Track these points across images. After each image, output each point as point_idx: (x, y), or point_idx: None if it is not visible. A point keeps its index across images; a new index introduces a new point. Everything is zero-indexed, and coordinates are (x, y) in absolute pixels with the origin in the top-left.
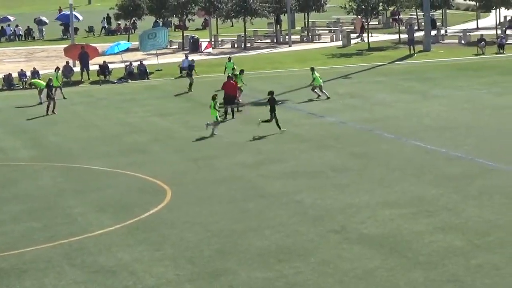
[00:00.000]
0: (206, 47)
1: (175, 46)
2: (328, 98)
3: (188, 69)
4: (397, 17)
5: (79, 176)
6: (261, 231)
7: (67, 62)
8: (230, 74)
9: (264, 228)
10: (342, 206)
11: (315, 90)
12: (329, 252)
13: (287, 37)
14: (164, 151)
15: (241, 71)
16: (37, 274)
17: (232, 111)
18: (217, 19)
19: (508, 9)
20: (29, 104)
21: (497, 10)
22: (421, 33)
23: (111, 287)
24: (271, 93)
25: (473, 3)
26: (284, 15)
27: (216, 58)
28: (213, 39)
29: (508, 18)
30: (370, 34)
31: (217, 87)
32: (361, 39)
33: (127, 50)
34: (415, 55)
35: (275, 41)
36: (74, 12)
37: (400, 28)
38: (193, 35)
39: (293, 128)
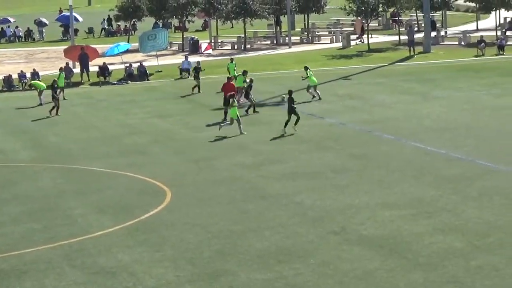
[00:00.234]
0: (206, 49)
1: (175, 48)
2: (320, 99)
3: (195, 71)
4: (397, 18)
5: (79, 177)
6: (261, 232)
7: (67, 63)
8: (231, 76)
9: (264, 229)
10: (342, 207)
11: (310, 90)
12: (329, 253)
13: (287, 38)
14: (164, 152)
15: (244, 72)
16: (37, 275)
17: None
18: (217, 21)
19: (508, 11)
20: (29, 105)
21: (497, 11)
22: (421, 35)
23: None
24: (289, 92)
25: (473, 4)
26: (284, 16)
27: (216, 60)
28: (213, 41)
29: (508, 19)
30: (370, 36)
31: (217, 88)
32: (361, 41)
33: (127, 51)
34: (415, 56)
35: (275, 42)
36: (74, 13)
37: (400, 29)
38: (193, 37)
39: (293, 129)
